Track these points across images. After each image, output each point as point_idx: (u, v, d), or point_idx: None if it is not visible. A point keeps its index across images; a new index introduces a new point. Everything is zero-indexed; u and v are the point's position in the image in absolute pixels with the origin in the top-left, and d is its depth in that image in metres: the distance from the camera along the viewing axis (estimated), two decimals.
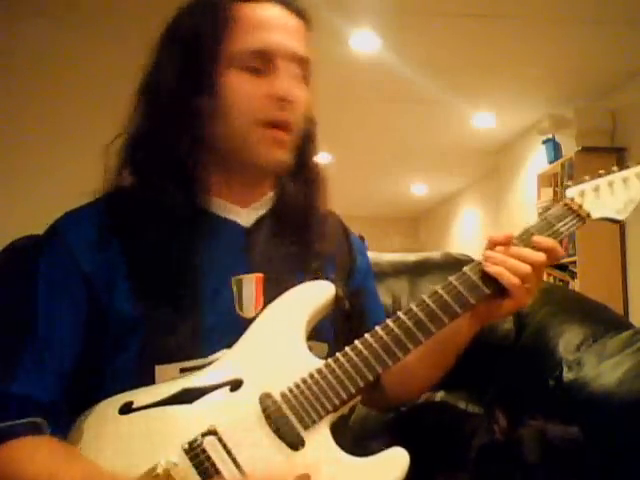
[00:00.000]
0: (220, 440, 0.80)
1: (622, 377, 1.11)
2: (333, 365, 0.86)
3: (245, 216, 0.96)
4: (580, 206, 0.97)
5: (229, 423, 0.81)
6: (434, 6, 3.45)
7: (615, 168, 1.01)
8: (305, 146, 0.99)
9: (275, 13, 0.92)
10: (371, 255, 1.16)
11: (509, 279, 0.89)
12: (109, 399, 0.84)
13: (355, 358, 0.86)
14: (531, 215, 4.79)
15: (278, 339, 0.90)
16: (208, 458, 0.79)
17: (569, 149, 4.59)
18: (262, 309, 0.92)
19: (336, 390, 0.84)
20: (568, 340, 1.28)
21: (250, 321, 0.90)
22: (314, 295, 0.94)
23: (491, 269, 0.90)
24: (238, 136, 0.91)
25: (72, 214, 0.94)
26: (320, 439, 0.83)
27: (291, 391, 0.84)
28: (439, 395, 1.39)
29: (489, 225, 6.87)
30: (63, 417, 0.84)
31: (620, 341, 1.21)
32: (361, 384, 0.85)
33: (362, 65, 4.05)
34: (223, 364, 0.87)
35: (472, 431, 1.25)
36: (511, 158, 5.92)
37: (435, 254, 1.54)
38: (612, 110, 4.53)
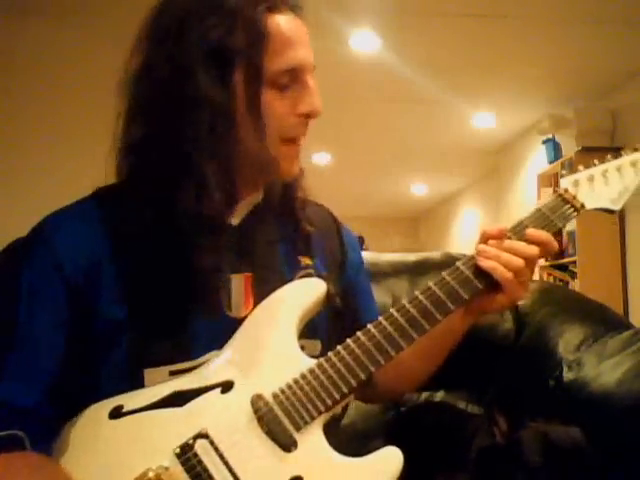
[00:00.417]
0: (212, 443, 0.79)
1: (622, 377, 1.11)
2: (325, 365, 0.84)
3: (234, 214, 0.94)
4: (574, 197, 0.96)
5: (221, 426, 0.80)
6: (434, 6, 3.44)
7: (609, 156, 0.99)
8: None
9: (296, 25, 0.90)
10: (371, 255, 1.16)
11: (502, 273, 0.88)
12: (99, 403, 0.83)
13: (347, 357, 0.85)
14: None
15: (269, 339, 0.87)
16: (200, 462, 0.77)
17: (569, 149, 4.59)
18: (252, 309, 0.89)
19: (329, 390, 0.83)
20: (568, 340, 1.28)
21: (240, 321, 0.88)
22: (305, 293, 0.91)
23: (484, 263, 0.89)
24: (264, 152, 0.89)
25: (60, 214, 0.92)
26: (313, 440, 0.81)
27: (283, 392, 0.83)
28: (439, 395, 1.39)
29: (489, 225, 6.85)
30: (47, 422, 0.82)
31: (620, 341, 1.21)
32: (354, 384, 0.84)
33: (362, 65, 4.05)
34: (214, 366, 0.85)
35: (472, 431, 1.25)
36: (511, 158, 5.92)
37: (435, 254, 1.53)
38: (612, 110, 4.52)
